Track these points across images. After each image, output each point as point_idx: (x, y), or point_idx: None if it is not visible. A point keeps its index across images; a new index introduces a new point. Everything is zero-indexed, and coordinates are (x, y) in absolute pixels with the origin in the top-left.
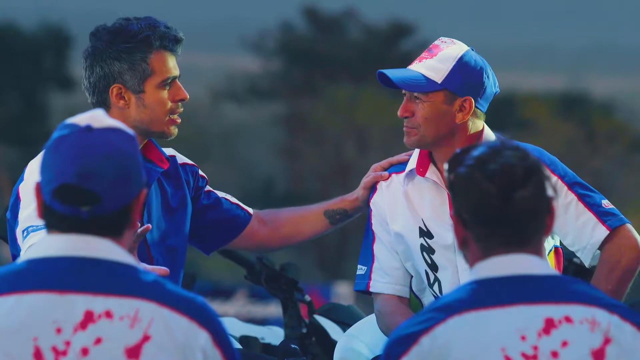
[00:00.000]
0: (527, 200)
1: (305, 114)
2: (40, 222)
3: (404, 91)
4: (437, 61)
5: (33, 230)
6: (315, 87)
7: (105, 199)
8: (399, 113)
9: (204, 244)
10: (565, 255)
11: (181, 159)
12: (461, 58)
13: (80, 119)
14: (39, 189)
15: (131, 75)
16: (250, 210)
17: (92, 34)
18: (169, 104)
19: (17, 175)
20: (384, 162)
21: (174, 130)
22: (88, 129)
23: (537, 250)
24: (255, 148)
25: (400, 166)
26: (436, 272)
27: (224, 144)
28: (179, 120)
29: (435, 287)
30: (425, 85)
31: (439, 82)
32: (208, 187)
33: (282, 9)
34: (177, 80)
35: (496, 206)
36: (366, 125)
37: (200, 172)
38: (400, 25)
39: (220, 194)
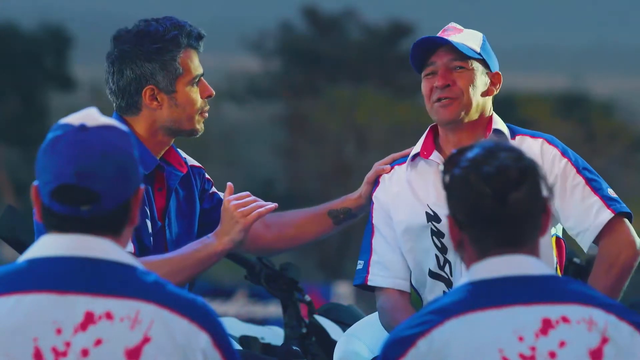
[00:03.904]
0: (522, 201)
1: (305, 114)
2: None
3: (430, 69)
4: (468, 35)
5: None
6: (315, 87)
7: (105, 197)
8: (438, 83)
9: None
10: (565, 255)
11: (190, 161)
12: (483, 37)
13: (74, 119)
14: (37, 191)
15: (163, 76)
16: None
17: (115, 38)
18: (199, 102)
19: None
20: (387, 159)
21: (202, 127)
22: (83, 128)
23: (533, 251)
24: (255, 148)
25: (403, 159)
26: (446, 254)
27: (224, 144)
28: (207, 115)
29: (447, 268)
30: (473, 52)
31: (478, 51)
32: (213, 189)
33: (282, 9)
34: (202, 77)
35: (491, 208)
36: (366, 125)
37: (207, 175)
38: (400, 25)
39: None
